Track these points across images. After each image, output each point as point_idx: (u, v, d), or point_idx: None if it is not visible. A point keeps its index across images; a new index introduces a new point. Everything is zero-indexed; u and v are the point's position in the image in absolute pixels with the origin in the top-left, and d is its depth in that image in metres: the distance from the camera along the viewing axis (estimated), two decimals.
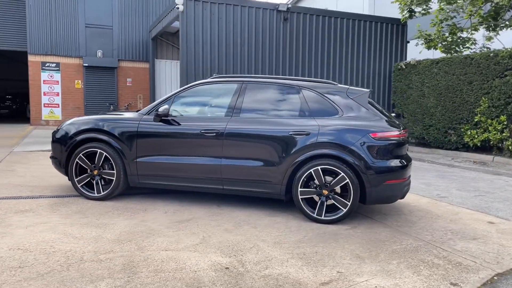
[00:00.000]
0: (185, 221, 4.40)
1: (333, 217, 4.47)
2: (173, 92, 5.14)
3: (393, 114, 5.35)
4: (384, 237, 4.13)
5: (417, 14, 11.96)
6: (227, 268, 3.22)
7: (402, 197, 4.69)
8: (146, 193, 5.48)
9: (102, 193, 5.07)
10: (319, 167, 4.45)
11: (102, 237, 3.79)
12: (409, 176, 4.71)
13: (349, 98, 4.66)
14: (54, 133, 5.34)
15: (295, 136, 4.55)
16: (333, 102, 4.66)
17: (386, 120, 4.59)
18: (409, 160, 4.73)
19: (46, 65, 14.96)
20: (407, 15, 11.88)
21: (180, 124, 4.88)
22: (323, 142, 4.48)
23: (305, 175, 4.49)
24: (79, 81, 15.24)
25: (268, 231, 4.17)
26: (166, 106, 4.89)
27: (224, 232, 4.08)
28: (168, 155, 4.92)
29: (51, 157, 5.35)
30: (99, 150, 5.01)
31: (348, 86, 4.84)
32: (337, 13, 12.08)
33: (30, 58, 14.74)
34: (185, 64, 10.08)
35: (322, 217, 4.48)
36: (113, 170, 5.01)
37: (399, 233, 4.27)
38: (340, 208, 4.46)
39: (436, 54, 13.16)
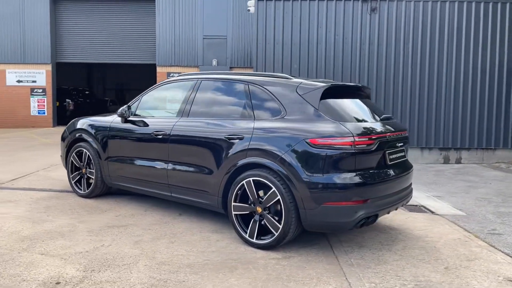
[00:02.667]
0: (119, 226, 4.20)
1: (263, 242, 3.61)
2: (143, 93, 5.01)
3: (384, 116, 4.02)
4: (305, 279, 3.10)
5: None
6: (58, 283, 2.89)
7: (357, 226, 3.44)
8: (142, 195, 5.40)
9: (85, 191, 5.28)
10: (250, 179, 3.66)
11: (16, 232, 3.91)
12: (374, 199, 3.43)
13: (298, 95, 3.69)
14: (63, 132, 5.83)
15: (229, 140, 3.85)
16: (278, 99, 3.77)
17: (344, 123, 3.45)
18: (377, 176, 3.49)
19: (171, 75, 16.75)
20: None
21: (138, 125, 4.71)
22: (255, 149, 3.66)
23: (237, 187, 3.74)
24: None
25: (178, 248, 3.62)
26: (125, 107, 4.80)
27: (130, 243, 3.71)
28: (128, 157, 4.81)
29: (61, 155, 5.86)
30: (84, 150, 5.25)
31: (302, 80, 3.84)
32: None
33: (158, 69, 16.78)
34: (260, 67, 9.82)
35: (254, 240, 3.66)
36: (93, 170, 5.18)
37: (336, 276, 3.15)
38: (272, 232, 3.57)
39: None
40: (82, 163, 5.29)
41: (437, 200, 5.82)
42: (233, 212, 3.80)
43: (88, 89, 23.09)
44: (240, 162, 3.73)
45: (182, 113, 4.39)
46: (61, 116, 17.92)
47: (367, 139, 3.43)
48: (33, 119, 17.06)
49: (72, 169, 5.45)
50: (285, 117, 3.64)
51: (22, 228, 4.03)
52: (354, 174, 3.35)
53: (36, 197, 5.30)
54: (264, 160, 3.58)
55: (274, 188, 3.50)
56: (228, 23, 16.72)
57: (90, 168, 5.22)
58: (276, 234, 3.52)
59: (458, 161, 9.74)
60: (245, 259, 3.43)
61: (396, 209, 4.05)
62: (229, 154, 3.82)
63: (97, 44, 17.20)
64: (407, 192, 4.06)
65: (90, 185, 5.23)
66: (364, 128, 3.53)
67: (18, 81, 17.07)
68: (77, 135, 5.36)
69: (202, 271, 3.15)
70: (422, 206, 5.50)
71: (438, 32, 9.74)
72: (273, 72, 9.75)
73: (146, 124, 4.63)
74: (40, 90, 17.07)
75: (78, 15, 17.17)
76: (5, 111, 16.83)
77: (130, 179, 4.80)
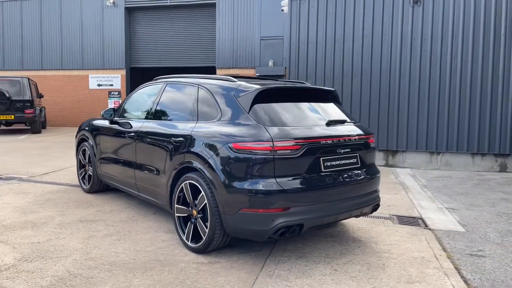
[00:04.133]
0: (89, 221, 4.50)
1: (195, 246, 3.61)
2: (128, 95, 5.28)
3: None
4: (208, 285, 3.04)
5: None
6: None
7: (276, 235, 3.22)
8: None
9: (87, 187, 5.75)
10: (187, 182, 3.68)
11: (0, 221, 4.42)
12: (298, 207, 3.20)
13: (233, 98, 3.60)
14: None
15: (174, 142, 3.91)
16: (217, 102, 3.72)
17: (269, 127, 3.30)
18: (303, 183, 3.27)
19: None
20: None
21: (117, 127, 5.00)
22: (191, 152, 3.67)
23: (179, 189, 3.79)
24: None
25: (119, 245, 3.78)
26: (108, 108, 5.13)
27: (82, 238, 3.97)
28: (110, 156, 5.14)
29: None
30: (86, 148, 5.73)
31: (241, 83, 3.72)
32: None
33: (218, 72, 17.35)
34: (293, 68, 9.63)
35: (189, 243, 3.68)
36: (91, 167, 5.63)
37: (243, 286, 3.04)
38: (201, 236, 3.56)
39: None
40: (86, 161, 5.77)
41: (446, 213, 5.20)
42: (176, 214, 3.85)
43: None
44: (180, 165, 3.77)
45: (148, 115, 4.57)
46: None
47: (291, 144, 3.24)
48: None
49: (79, 166, 5.97)
50: (219, 120, 3.60)
51: (8, 218, 4.54)
52: (273, 180, 3.19)
53: (47, 190, 5.91)
54: (196, 164, 3.58)
55: (203, 192, 3.49)
56: (285, 23, 16.65)
57: (91, 166, 5.67)
58: (204, 239, 3.50)
59: None
60: (170, 261, 3.46)
61: (346, 218, 3.77)
62: (173, 156, 3.89)
63: (164, 50, 18.39)
64: (364, 200, 3.73)
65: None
66: (291, 133, 3.32)
67: (99, 85, 18.98)
68: (82, 135, 5.86)
69: (118, 269, 3.26)
70: (421, 218, 4.98)
71: (494, 26, 8.61)
72: (306, 74, 9.53)
73: (122, 126, 4.90)
74: (116, 93, 18.77)
75: (148, 23, 18.52)
76: (87, 111, 18.81)
77: (113, 178, 5.13)
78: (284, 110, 3.59)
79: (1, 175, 6.90)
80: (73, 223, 4.41)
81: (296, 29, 9.64)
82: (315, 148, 3.35)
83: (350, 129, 3.78)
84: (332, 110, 3.95)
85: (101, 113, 5.13)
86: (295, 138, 3.28)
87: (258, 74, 16.54)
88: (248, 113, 3.43)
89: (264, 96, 3.55)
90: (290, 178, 3.25)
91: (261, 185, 3.17)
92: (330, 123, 3.65)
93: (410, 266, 3.46)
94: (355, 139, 3.69)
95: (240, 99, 3.54)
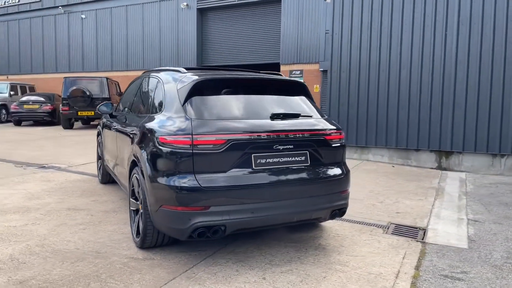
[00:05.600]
0: (75, 209, 4.73)
1: (137, 241, 3.55)
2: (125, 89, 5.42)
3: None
4: (118, 281, 2.97)
5: None
6: None
7: (194, 235, 3.01)
8: None
9: (99, 178, 6.08)
10: (134, 175, 3.65)
11: (3, 204, 4.87)
12: (219, 207, 2.96)
13: (175, 90, 3.45)
14: None
15: (130, 136, 3.93)
16: (164, 95, 3.59)
17: (197, 120, 3.10)
18: (229, 182, 3.01)
19: (293, 73, 16.84)
20: None
21: (111, 121, 5.16)
22: (135, 145, 3.62)
23: (131, 183, 3.78)
24: (317, 85, 16.20)
25: (79, 234, 3.90)
26: (108, 102, 5.32)
27: (53, 225, 4.17)
28: (107, 149, 5.34)
29: None
30: (100, 141, 6.06)
31: (186, 74, 3.53)
32: None
33: (282, 68, 17.08)
34: (336, 61, 9.01)
35: (135, 237, 3.65)
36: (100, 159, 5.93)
37: (152, 285, 2.91)
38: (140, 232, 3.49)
39: None
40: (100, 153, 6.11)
41: (461, 226, 4.43)
42: (130, 207, 3.85)
43: None
44: (131, 158, 3.75)
45: (128, 109, 4.64)
46: None
47: (213, 138, 3.00)
48: None
49: (97, 157, 6.33)
50: (161, 113, 3.48)
51: (11, 202, 4.99)
52: (192, 177, 2.99)
53: (70, 179, 6.39)
54: (137, 157, 3.52)
55: (142, 186, 3.42)
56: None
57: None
58: (141, 235, 3.43)
59: None
60: (109, 253, 3.46)
61: (292, 223, 3.39)
62: (128, 150, 3.89)
63: (231, 48, 18.75)
64: (315, 203, 3.31)
65: None
66: (215, 126, 3.06)
67: None
68: (98, 128, 6.21)
69: (54, 257, 3.35)
70: (424, 229, 4.30)
71: None
72: (349, 66, 8.89)
73: (113, 119, 5.06)
74: None
75: (218, 22, 19.04)
76: None
77: (109, 169, 5.34)
78: (222, 102, 3.35)
79: (45, 164, 7.64)
80: (60, 211, 4.68)
81: (339, 19, 9.03)
82: (243, 144, 3.06)
83: (299, 124, 3.37)
84: (288, 103, 3.58)
85: (97, 107, 5.35)
86: (219, 133, 3.03)
87: (322, 69, 15.97)
88: (182, 106, 3.27)
89: (204, 88, 3.35)
90: (212, 175, 3.01)
91: (179, 182, 2.99)
92: (275, 117, 3.30)
93: (353, 283, 2.98)
94: (301, 134, 3.28)
95: (179, 91, 3.39)
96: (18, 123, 17.61)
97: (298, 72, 16.62)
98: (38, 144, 11.03)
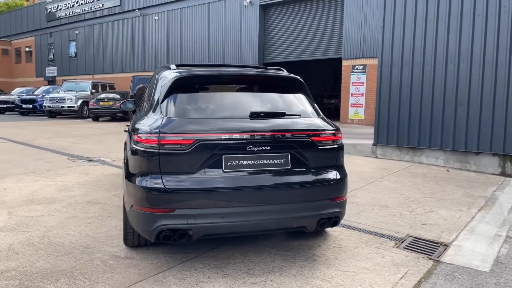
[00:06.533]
0: (93, 203, 4.93)
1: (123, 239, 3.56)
2: None
3: None
4: (85, 279, 2.98)
5: None
6: None
7: (159, 238, 2.90)
8: None
9: None
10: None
11: (32, 193, 5.22)
12: (184, 210, 2.83)
13: (160, 88, 3.35)
14: None
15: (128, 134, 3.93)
16: (155, 92, 3.53)
17: (169, 118, 2.99)
18: (196, 184, 2.86)
19: (355, 68, 15.98)
20: None
21: None
22: (125, 144, 3.62)
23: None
24: None
25: (82, 228, 4.03)
26: (129, 99, 5.43)
27: (64, 218, 4.37)
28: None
29: None
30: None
31: (173, 71, 3.41)
32: None
33: (344, 63, 16.29)
34: (387, 54, 8.30)
35: (123, 235, 3.66)
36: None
37: (117, 285, 2.88)
38: None
39: None
40: None
41: (495, 244, 3.82)
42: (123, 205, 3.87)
43: None
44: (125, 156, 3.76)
45: (138, 105, 4.69)
46: None
47: (180, 138, 2.86)
48: None
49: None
50: (148, 111, 3.43)
51: (42, 194, 5.34)
52: (158, 178, 2.88)
53: (106, 173, 6.70)
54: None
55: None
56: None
57: None
58: (123, 233, 3.43)
59: None
60: (96, 249, 3.51)
61: (271, 230, 3.16)
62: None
63: (292, 44, 18.43)
64: (298, 210, 3.03)
65: None
66: (183, 126, 2.92)
67: None
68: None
69: (45, 250, 3.48)
70: (446, 245, 3.77)
71: None
72: (401, 60, 8.16)
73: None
74: None
75: (280, 18, 18.83)
76: None
77: None
78: (200, 100, 3.20)
79: (93, 158, 8.14)
80: (80, 204, 4.89)
81: (391, 9, 8.33)
82: (212, 144, 2.88)
83: (281, 123, 3.09)
84: (275, 101, 3.31)
85: (121, 103, 5.49)
86: (187, 132, 2.88)
87: None
88: (161, 103, 3.18)
89: (184, 86, 3.24)
90: (179, 177, 2.88)
91: (145, 182, 2.91)
92: (254, 115, 3.07)
93: None
94: (281, 135, 3.00)
95: (162, 89, 3.31)
96: (95, 118, 19.12)
97: (361, 67, 15.80)
98: (101, 138, 11.84)
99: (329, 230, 4.05)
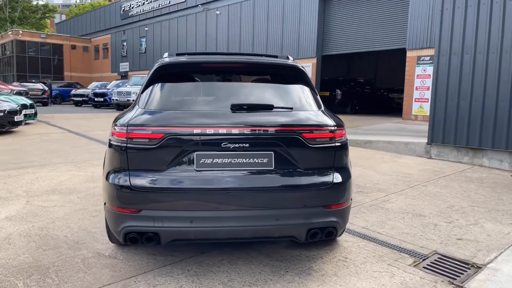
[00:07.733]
0: None
1: None
2: None
3: None
4: (64, 277, 2.84)
5: None
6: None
7: (126, 239, 2.66)
8: None
9: None
10: None
11: (60, 183, 5.32)
12: (151, 211, 2.57)
13: (145, 79, 3.12)
14: None
15: None
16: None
17: (146, 110, 2.73)
18: (165, 182, 2.57)
19: (421, 59, 14.60)
20: None
21: None
22: None
23: None
24: None
25: (86, 226, 3.97)
26: None
27: (71, 210, 4.35)
28: None
29: None
30: None
31: (164, 59, 3.13)
32: None
33: (408, 54, 14.95)
34: (445, 41, 7.33)
35: None
36: None
37: (89, 285, 2.70)
38: None
39: None
40: None
41: None
42: None
43: (361, 79, 22.99)
44: None
45: None
46: (330, 105, 19.38)
47: (148, 132, 2.59)
48: None
49: None
50: (134, 104, 3.20)
51: (68, 184, 5.42)
52: (125, 174, 2.64)
53: None
54: None
55: None
56: None
57: None
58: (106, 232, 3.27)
59: None
60: (84, 245, 3.40)
61: (251, 238, 2.80)
62: None
63: (352, 34, 17.44)
64: (283, 217, 2.63)
65: None
66: (153, 118, 2.63)
67: None
68: None
69: (37, 242, 3.44)
70: (478, 267, 3.13)
71: None
72: (462, 48, 7.19)
73: None
74: None
75: (340, 8, 17.92)
76: None
77: None
78: (179, 90, 2.90)
79: None
80: (97, 196, 4.88)
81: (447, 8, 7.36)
82: (182, 140, 2.57)
83: (266, 118, 2.68)
84: (267, 92, 2.91)
85: None
86: (156, 125, 2.60)
87: None
88: (141, 94, 2.95)
89: (167, 75, 2.97)
90: (146, 174, 2.62)
91: (113, 179, 2.69)
92: (236, 108, 2.70)
93: None
94: (263, 131, 2.60)
95: (145, 79, 3.07)
96: None
97: (428, 58, 14.45)
98: None
99: (339, 239, 3.56)
